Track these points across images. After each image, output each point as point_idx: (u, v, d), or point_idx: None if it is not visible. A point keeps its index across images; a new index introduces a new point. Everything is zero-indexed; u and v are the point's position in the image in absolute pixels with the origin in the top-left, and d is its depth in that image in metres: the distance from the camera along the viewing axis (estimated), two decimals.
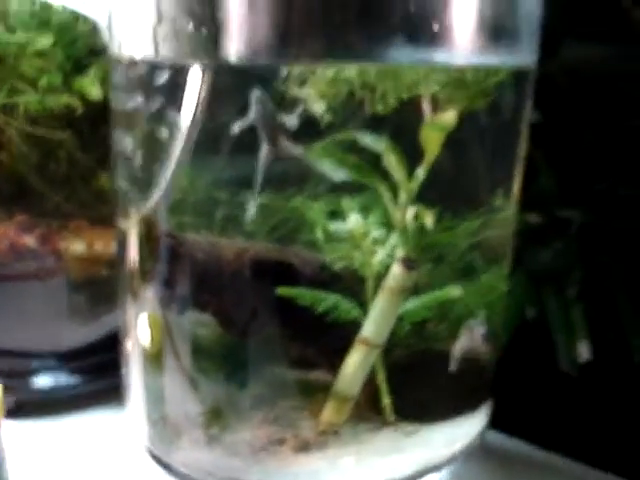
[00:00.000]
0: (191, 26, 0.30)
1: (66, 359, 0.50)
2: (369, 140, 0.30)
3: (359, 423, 0.35)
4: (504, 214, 0.36)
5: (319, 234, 0.32)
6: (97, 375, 0.50)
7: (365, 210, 0.32)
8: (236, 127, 0.31)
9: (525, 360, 0.71)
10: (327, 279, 0.33)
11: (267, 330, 0.34)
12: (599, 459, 0.49)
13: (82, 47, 0.45)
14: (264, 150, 0.31)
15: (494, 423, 0.46)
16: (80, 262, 0.49)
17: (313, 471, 0.34)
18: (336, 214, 0.32)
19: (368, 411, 0.35)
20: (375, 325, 0.33)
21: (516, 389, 0.69)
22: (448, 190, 0.33)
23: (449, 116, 0.30)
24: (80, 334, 0.50)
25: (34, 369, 0.49)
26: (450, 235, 0.34)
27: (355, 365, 0.34)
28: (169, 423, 0.36)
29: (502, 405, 0.50)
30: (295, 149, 0.31)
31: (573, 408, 0.67)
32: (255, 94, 0.30)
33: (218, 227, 0.34)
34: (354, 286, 0.34)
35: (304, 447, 0.34)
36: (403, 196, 0.32)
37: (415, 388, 0.36)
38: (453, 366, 0.36)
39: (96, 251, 0.48)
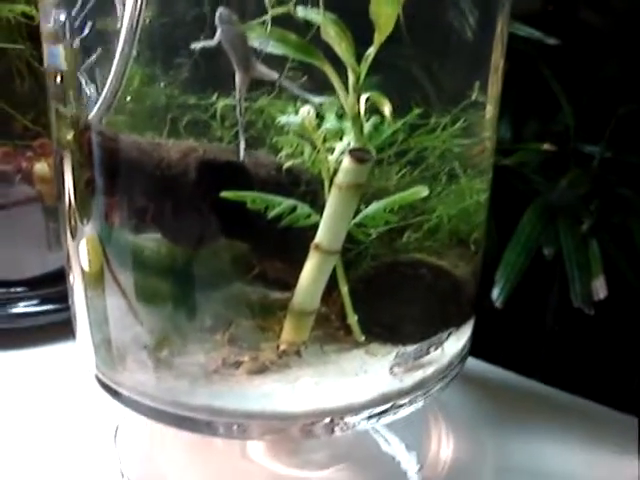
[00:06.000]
0: None
1: (35, 286, 0.48)
2: (306, 12, 0.26)
3: (326, 343, 0.32)
4: (481, 113, 0.32)
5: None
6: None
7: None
8: (197, 46, 0.28)
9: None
10: (283, 181, 0.30)
11: (217, 241, 0.31)
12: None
13: None
14: (238, 78, 0.28)
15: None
16: (49, 185, 0.47)
17: (265, 393, 0.31)
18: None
19: (337, 331, 0.32)
20: (328, 228, 0.29)
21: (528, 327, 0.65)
22: (411, 78, 0.29)
23: None
24: (49, 260, 0.48)
25: (2, 297, 0.47)
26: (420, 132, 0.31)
27: (310, 275, 0.30)
28: (113, 346, 0.33)
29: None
30: (271, 74, 0.28)
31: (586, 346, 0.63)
32: (219, 12, 0.27)
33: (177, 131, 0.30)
34: (313, 189, 0.30)
35: (261, 369, 0.31)
36: (352, 78, 0.28)
37: (385, 305, 0.32)
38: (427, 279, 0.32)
39: None
